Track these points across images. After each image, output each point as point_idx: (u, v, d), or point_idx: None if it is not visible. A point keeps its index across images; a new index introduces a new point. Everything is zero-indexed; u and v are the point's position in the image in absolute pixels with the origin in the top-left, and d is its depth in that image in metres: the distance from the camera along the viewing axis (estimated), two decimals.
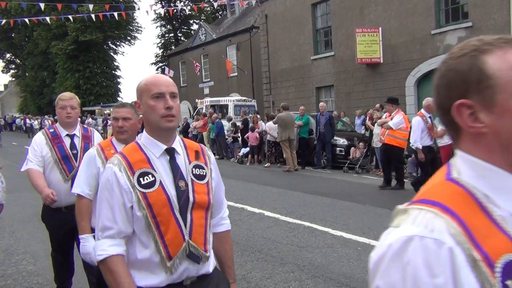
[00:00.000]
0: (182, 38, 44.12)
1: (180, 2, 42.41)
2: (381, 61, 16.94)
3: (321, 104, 15.07)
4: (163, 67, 37.49)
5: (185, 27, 45.60)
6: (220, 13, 43.38)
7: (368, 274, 0.90)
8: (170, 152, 1.92)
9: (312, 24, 20.19)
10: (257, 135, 15.57)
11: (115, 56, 43.55)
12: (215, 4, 26.47)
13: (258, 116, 17.14)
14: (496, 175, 0.88)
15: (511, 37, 0.91)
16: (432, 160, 8.83)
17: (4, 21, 25.57)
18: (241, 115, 18.09)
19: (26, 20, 23.93)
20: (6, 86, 77.83)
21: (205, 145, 18.98)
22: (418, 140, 8.61)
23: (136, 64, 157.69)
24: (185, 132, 20.93)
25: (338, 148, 13.97)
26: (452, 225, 0.82)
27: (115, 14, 23.51)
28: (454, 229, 0.81)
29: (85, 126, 3.99)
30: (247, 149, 16.11)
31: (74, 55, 36.96)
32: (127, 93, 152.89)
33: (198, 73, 29.03)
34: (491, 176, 0.89)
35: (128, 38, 42.85)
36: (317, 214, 7.55)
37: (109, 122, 23.56)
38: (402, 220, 0.89)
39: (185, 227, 1.85)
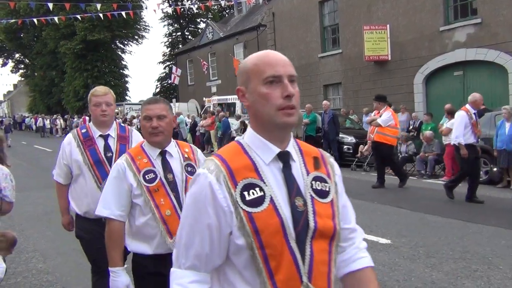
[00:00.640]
0: (189, 37, 44.17)
1: (188, 0, 42.44)
2: (389, 59, 16.84)
3: (324, 102, 15.03)
4: (170, 65, 37.56)
5: (192, 26, 45.66)
6: (227, 11, 43.37)
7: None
8: (284, 158, 1.40)
9: (320, 21, 20.13)
10: None
11: (123, 55, 43.84)
12: (223, 3, 26.44)
13: None
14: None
15: None
16: (475, 159, 8.23)
17: (12, 20, 25.73)
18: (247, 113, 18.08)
19: (35, 20, 24.11)
20: (15, 86, 78.54)
21: (212, 143, 19.07)
22: (461, 135, 8.00)
23: (144, 63, 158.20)
24: (192, 130, 20.98)
25: (346, 146, 13.95)
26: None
27: (123, 13, 23.61)
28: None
29: (122, 124, 3.56)
30: None
31: (83, 55, 37.18)
32: (135, 92, 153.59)
33: (206, 71, 29.07)
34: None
35: (136, 37, 43.01)
36: None
37: (134, 122, 23.28)
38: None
39: (303, 265, 1.31)
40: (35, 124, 39.08)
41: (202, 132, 20.05)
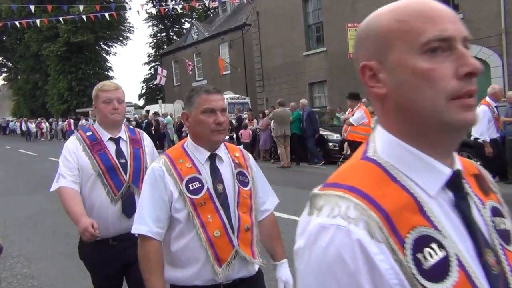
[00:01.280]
0: (174, 37, 44.06)
1: (172, 1, 42.30)
2: None
3: (301, 100, 15.10)
4: (156, 66, 37.41)
5: (177, 26, 45.57)
6: (212, 11, 43.31)
7: None
8: (457, 184, 0.86)
9: (304, 19, 20.20)
10: (250, 132, 15.61)
11: (107, 57, 43.58)
12: (207, 3, 26.41)
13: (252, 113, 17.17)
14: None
15: None
16: (498, 154, 7.73)
17: None
18: (235, 112, 18.08)
19: (17, 23, 23.83)
20: None
21: None
22: (486, 131, 7.48)
23: (129, 64, 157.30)
24: (179, 131, 20.88)
25: (331, 143, 14.07)
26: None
27: (106, 14, 23.46)
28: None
29: (130, 126, 3.07)
30: (241, 146, 16.10)
31: (66, 57, 36.85)
32: None
33: (191, 72, 28.99)
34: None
35: (120, 38, 42.85)
36: None
37: (171, 121, 21.80)
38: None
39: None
40: (20, 128, 38.64)
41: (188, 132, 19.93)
